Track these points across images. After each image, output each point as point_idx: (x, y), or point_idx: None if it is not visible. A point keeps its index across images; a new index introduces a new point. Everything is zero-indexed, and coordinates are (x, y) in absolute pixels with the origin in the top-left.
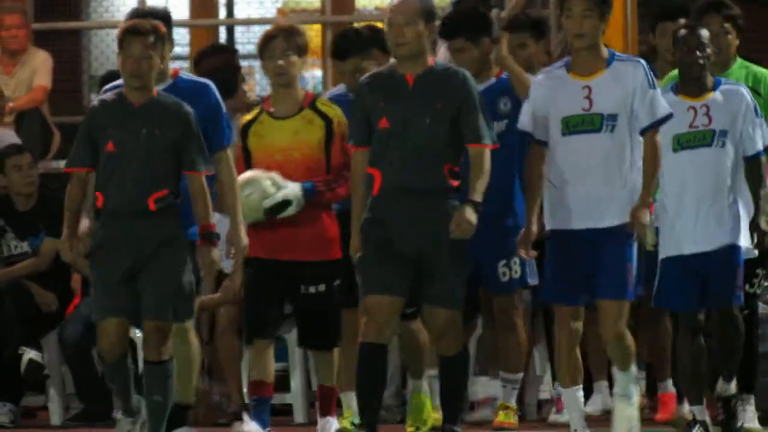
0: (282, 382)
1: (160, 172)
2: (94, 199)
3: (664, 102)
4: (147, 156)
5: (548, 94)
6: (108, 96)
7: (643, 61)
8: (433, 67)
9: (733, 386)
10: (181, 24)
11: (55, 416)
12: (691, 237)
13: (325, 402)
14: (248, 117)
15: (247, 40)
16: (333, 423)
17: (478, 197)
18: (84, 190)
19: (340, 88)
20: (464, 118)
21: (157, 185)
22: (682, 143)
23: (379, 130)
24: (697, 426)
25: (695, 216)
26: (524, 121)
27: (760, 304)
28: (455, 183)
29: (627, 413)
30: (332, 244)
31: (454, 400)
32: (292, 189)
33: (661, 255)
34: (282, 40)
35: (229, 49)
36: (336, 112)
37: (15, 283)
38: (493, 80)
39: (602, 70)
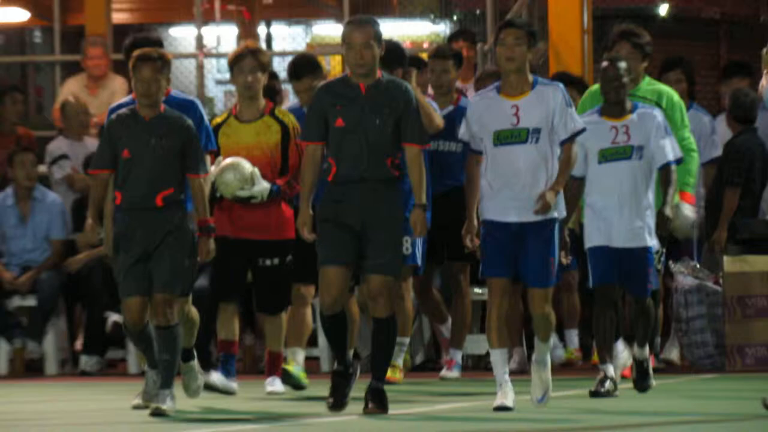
0: (312, 340)
1: (166, 174)
2: (112, 198)
3: (578, 118)
4: (155, 161)
5: (482, 112)
6: (123, 111)
7: (561, 85)
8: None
9: (646, 351)
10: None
11: (133, 366)
12: (615, 233)
13: (272, 365)
14: (218, 120)
15: (282, 69)
16: (277, 381)
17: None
18: (105, 188)
19: (295, 103)
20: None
21: (164, 185)
22: (606, 156)
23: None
24: (608, 381)
25: (619, 215)
26: (463, 134)
27: (688, 277)
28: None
29: (544, 377)
30: (286, 226)
31: (383, 359)
32: (261, 189)
33: (588, 245)
34: (251, 59)
35: (272, 75)
36: (291, 119)
37: (100, 260)
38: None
39: (527, 92)
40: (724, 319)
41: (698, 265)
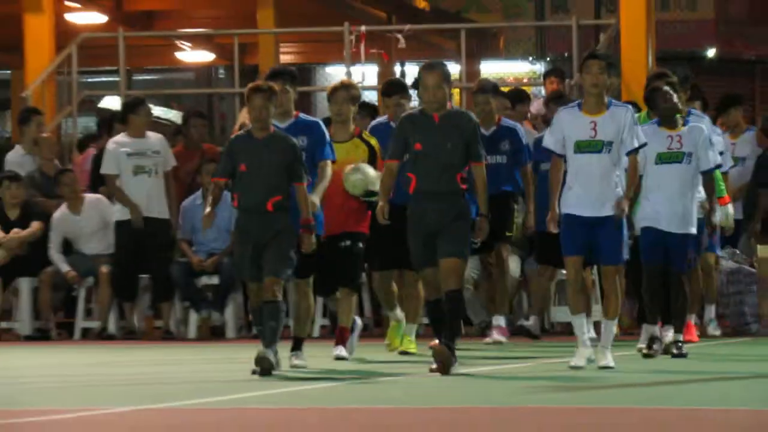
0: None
1: (275, 183)
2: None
3: (642, 134)
4: (267, 173)
5: (565, 124)
6: (241, 133)
7: (630, 106)
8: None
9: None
10: (372, 88)
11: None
12: (665, 220)
13: (340, 336)
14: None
15: (415, 99)
16: (342, 348)
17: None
18: (222, 190)
19: (384, 118)
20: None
21: (273, 192)
22: (662, 159)
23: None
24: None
25: (669, 206)
26: (547, 142)
27: (730, 261)
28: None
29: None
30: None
31: (453, 324)
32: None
33: (641, 225)
34: (343, 91)
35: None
36: (375, 142)
37: None
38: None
39: (604, 111)
40: (758, 295)
41: (738, 252)
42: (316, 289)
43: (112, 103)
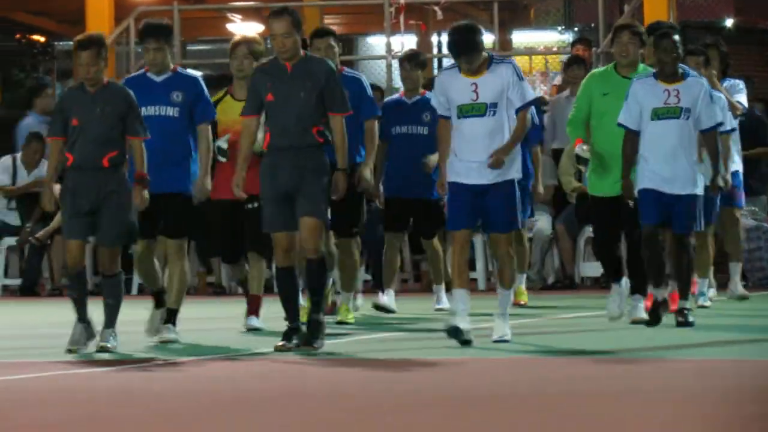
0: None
1: (109, 137)
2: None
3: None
4: (99, 126)
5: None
6: (73, 86)
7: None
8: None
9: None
10: None
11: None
12: (663, 180)
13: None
14: (216, 97)
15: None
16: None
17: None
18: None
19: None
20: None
21: (108, 148)
22: (658, 114)
23: None
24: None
25: (667, 165)
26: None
27: (749, 218)
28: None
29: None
30: None
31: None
32: None
33: (639, 187)
34: (244, 46)
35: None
36: None
37: None
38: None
39: (680, 80)
40: None
41: (756, 209)
42: (222, 257)
43: None
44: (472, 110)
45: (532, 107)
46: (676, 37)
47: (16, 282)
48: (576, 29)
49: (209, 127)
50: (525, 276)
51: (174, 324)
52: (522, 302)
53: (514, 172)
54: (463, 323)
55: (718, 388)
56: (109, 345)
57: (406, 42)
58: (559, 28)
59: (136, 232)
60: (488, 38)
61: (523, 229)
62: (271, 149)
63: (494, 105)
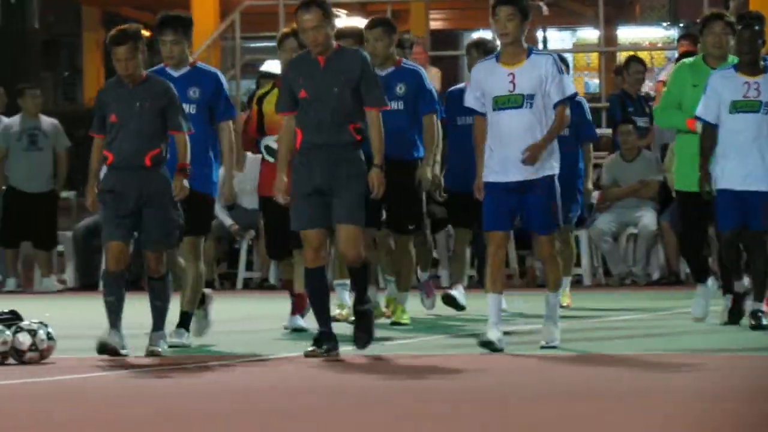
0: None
1: (150, 133)
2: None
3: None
4: (139, 123)
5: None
6: (111, 81)
7: None
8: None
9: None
10: None
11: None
12: (739, 176)
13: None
14: (262, 91)
15: None
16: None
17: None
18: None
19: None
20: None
21: (149, 145)
22: (737, 107)
23: None
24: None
25: (743, 160)
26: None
27: None
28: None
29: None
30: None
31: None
32: None
33: (717, 187)
34: (293, 40)
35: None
36: None
37: None
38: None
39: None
40: None
41: None
42: (269, 252)
43: (273, 66)
44: (508, 102)
45: (585, 104)
46: (758, 28)
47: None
48: (681, 25)
49: (230, 125)
50: (569, 279)
51: (187, 328)
52: (565, 304)
53: (553, 168)
54: (495, 334)
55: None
56: (159, 349)
57: None
58: (664, 24)
59: (182, 231)
60: (593, 34)
61: (570, 228)
62: (304, 147)
63: (531, 97)
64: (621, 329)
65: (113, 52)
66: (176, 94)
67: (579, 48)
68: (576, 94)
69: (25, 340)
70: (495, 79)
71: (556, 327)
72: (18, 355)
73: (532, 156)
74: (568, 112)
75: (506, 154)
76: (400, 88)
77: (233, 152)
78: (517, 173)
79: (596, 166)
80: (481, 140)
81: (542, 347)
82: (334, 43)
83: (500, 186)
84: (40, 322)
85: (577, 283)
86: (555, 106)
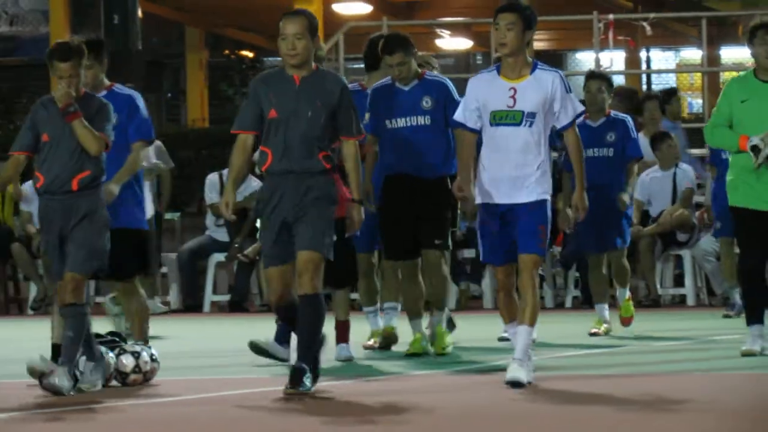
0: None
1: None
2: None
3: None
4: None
5: None
6: (46, 98)
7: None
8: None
9: None
10: (620, 72)
11: (488, 302)
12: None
13: (340, 332)
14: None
15: (658, 83)
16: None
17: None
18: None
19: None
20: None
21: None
22: None
23: None
24: None
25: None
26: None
27: None
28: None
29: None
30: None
31: (306, 337)
32: None
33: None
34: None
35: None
36: None
37: None
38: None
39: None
40: None
41: None
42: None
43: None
44: (506, 117)
45: (630, 121)
46: None
47: (225, 298)
48: None
49: (142, 147)
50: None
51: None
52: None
53: (544, 193)
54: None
55: None
56: (59, 383)
57: (615, 58)
58: None
59: (104, 266)
60: (696, 54)
61: (623, 253)
62: (270, 173)
63: (532, 115)
64: (722, 348)
65: (55, 68)
66: (107, 108)
67: (682, 68)
68: (584, 112)
69: (128, 362)
70: (494, 92)
71: (523, 366)
72: (121, 378)
73: (579, 210)
74: (576, 130)
75: (497, 175)
76: (426, 102)
77: (130, 174)
78: (509, 195)
79: (699, 186)
80: (467, 157)
81: (506, 382)
82: (314, 65)
83: (492, 209)
84: (144, 344)
85: (681, 303)
86: (565, 128)
